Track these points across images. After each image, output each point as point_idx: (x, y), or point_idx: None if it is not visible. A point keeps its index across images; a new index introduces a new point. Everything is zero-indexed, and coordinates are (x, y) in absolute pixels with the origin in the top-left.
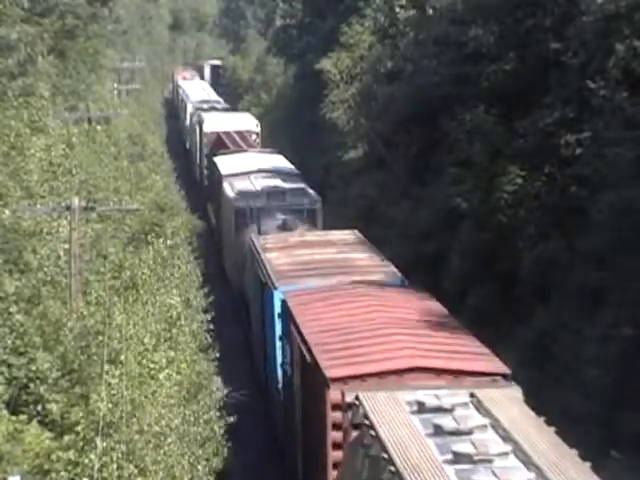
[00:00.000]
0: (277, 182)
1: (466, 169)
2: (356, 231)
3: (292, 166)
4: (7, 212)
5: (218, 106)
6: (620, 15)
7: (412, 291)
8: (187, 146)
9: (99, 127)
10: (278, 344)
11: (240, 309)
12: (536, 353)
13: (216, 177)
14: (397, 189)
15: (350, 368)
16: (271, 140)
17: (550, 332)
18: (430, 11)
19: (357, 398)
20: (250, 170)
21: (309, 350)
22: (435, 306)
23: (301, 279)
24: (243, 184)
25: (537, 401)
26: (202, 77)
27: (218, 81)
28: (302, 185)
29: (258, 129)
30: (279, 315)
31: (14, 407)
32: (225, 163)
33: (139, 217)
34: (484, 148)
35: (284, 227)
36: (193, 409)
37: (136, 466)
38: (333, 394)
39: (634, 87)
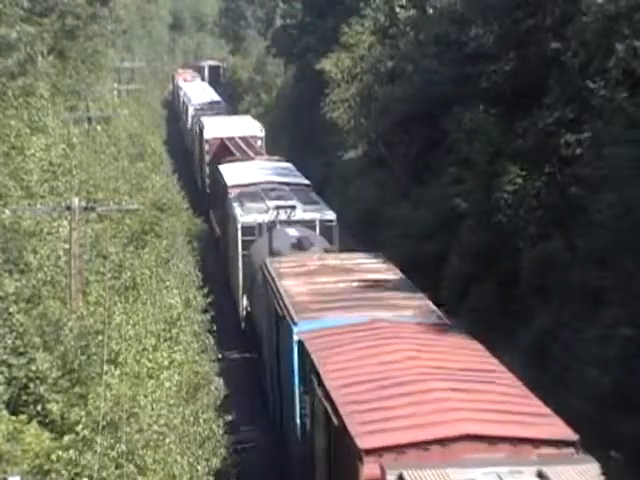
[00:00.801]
0: (287, 194)
1: (466, 169)
2: (381, 254)
3: (303, 176)
4: (7, 212)
5: (221, 110)
6: (620, 15)
7: (452, 332)
8: (188, 150)
9: (99, 127)
10: (297, 386)
11: (248, 334)
12: (536, 353)
13: (221, 187)
14: (397, 189)
15: (386, 436)
16: (271, 140)
17: (550, 332)
18: (430, 11)
19: (401, 478)
20: (257, 181)
21: (335, 409)
22: (481, 352)
23: (323, 313)
24: (250, 196)
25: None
26: (203, 78)
27: (217, 81)
28: (315, 198)
29: (262, 134)
30: (299, 353)
31: (14, 407)
32: (230, 173)
33: (139, 217)
34: (484, 148)
35: (298, 246)
36: (192, 409)
37: (136, 465)
38: (367, 470)
39: (634, 87)
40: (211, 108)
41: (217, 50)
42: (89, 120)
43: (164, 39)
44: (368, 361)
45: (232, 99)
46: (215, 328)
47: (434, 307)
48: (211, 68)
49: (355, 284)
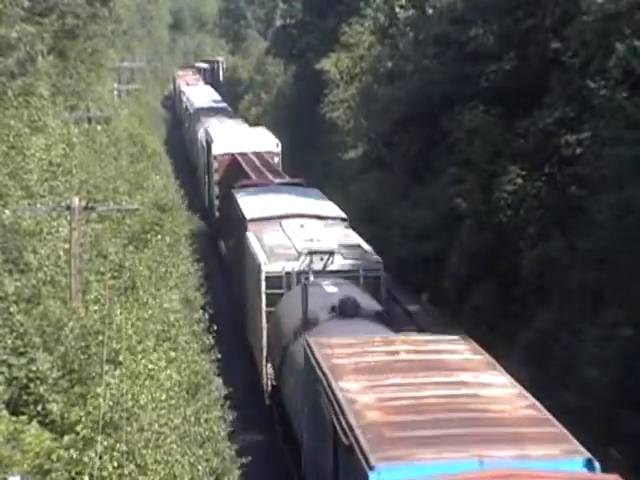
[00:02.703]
0: (321, 234)
1: (466, 169)
2: (465, 335)
3: (335, 206)
4: (7, 212)
5: (229, 119)
6: (620, 15)
7: None
8: (192, 162)
9: (99, 127)
10: None
11: (275, 414)
12: (536, 353)
13: (236, 219)
14: (397, 189)
15: None
16: None
17: (550, 332)
18: (430, 11)
19: None
20: (282, 213)
21: None
22: None
23: (413, 447)
24: (275, 235)
25: (537, 401)
26: (207, 82)
27: (217, 81)
28: (355, 237)
29: (279, 149)
30: None
31: (14, 407)
32: (247, 201)
33: (139, 217)
34: (484, 148)
35: (342, 309)
36: (193, 409)
37: (137, 465)
38: None
39: (634, 87)
40: (218, 118)
41: (217, 50)
42: (89, 120)
43: (164, 39)
44: None
45: (233, 99)
46: (229, 396)
47: (569, 437)
48: (209, 68)
49: (445, 391)
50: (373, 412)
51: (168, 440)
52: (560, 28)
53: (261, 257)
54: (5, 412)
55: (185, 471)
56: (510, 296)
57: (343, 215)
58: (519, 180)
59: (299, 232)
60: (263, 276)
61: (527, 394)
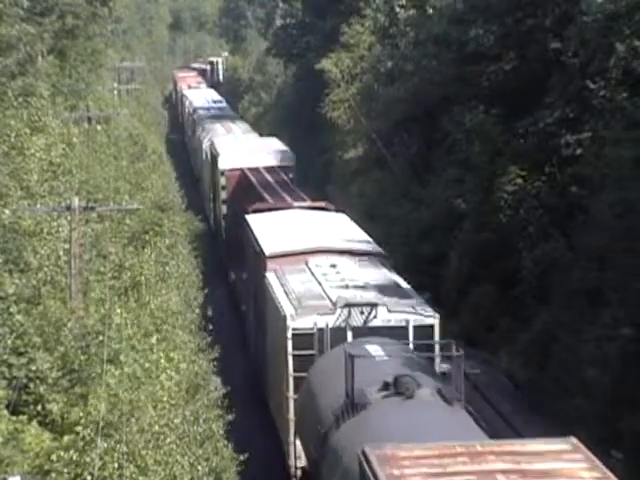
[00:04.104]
0: (357, 276)
1: (466, 169)
2: (573, 440)
3: (369, 238)
4: (7, 212)
5: (237, 129)
6: (620, 15)
7: None
8: (196, 173)
9: (99, 127)
10: None
11: None
12: (536, 353)
13: (251, 249)
14: (397, 189)
15: None
16: None
17: (550, 332)
18: (430, 11)
19: None
20: (308, 248)
21: None
22: None
23: None
24: (302, 279)
25: (537, 401)
26: (209, 83)
27: (217, 82)
28: (401, 284)
29: (293, 163)
30: None
31: (14, 407)
32: (266, 232)
33: (139, 217)
34: (484, 148)
35: (396, 389)
36: (192, 409)
37: (136, 465)
38: None
39: (634, 87)
40: (225, 126)
41: (217, 50)
42: (89, 120)
43: (164, 39)
44: None
45: (233, 99)
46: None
47: None
48: (209, 70)
49: None
50: None
51: (168, 440)
52: (560, 28)
53: (286, 308)
54: (5, 412)
55: (185, 471)
56: (510, 296)
57: (380, 250)
58: (519, 180)
59: (331, 275)
60: (290, 333)
61: None
